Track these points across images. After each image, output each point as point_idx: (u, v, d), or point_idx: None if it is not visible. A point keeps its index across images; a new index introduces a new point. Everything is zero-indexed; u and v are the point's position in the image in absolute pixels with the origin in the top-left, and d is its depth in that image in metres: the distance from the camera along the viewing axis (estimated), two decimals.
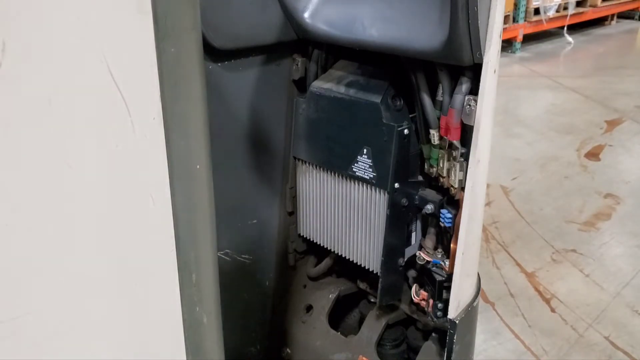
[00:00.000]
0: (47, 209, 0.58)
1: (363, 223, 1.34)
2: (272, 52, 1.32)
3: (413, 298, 1.34)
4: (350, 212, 1.36)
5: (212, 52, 1.20)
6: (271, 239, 1.50)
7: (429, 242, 1.32)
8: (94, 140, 0.59)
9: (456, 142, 1.14)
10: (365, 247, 1.36)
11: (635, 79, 5.48)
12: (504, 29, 5.95)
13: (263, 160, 1.41)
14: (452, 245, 1.19)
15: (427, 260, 1.28)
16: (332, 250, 1.45)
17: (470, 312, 1.18)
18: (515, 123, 4.40)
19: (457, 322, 1.14)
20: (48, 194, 0.57)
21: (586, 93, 5.09)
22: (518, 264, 2.63)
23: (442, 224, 1.22)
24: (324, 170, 1.39)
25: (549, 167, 3.65)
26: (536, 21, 6.49)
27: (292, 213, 1.51)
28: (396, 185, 1.24)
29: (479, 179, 1.08)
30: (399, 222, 1.28)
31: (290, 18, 1.26)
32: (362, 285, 1.56)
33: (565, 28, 6.96)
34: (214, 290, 0.74)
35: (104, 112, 0.58)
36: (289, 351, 1.60)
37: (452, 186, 1.19)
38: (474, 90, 1.09)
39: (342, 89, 1.29)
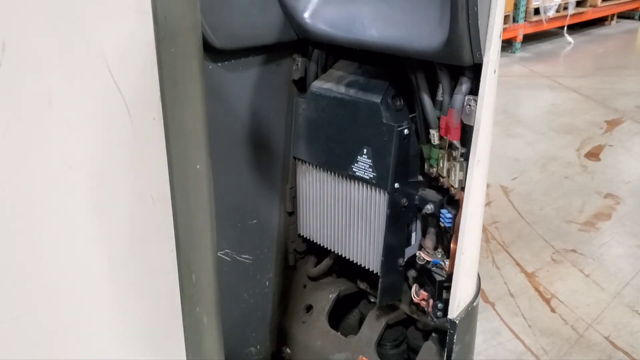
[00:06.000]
0: (47, 209, 0.58)
1: (363, 223, 1.34)
2: (272, 52, 1.32)
3: (413, 298, 1.34)
4: (350, 212, 1.36)
5: (212, 52, 1.20)
6: (271, 239, 1.50)
7: (429, 242, 1.32)
8: (94, 140, 0.59)
9: (456, 142, 1.14)
10: (365, 247, 1.36)
11: (635, 79, 5.48)
12: (504, 29, 5.95)
13: (263, 160, 1.41)
14: (452, 245, 1.19)
15: (427, 260, 1.28)
16: (332, 250, 1.45)
17: (470, 312, 1.18)
18: (515, 123, 4.40)
19: (457, 322, 1.14)
20: (48, 194, 0.57)
21: (586, 93, 5.09)
22: (518, 264, 2.63)
23: (442, 224, 1.22)
24: (324, 170, 1.39)
25: (549, 167, 3.65)
26: (536, 21, 6.49)
27: (292, 213, 1.51)
28: (396, 185, 1.24)
29: (479, 179, 1.08)
30: (399, 222, 1.28)
31: (290, 18, 1.26)
32: (362, 285, 1.56)
33: (565, 28, 6.96)
34: (214, 290, 0.74)
35: (104, 112, 0.59)
36: (289, 351, 1.60)
37: (452, 186, 1.19)
38: (474, 90, 1.09)
39: (342, 89, 1.29)
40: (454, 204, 1.21)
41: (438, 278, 1.27)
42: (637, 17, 8.35)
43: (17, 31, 0.51)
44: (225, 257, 1.39)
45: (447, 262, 1.23)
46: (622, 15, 8.31)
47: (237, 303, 1.48)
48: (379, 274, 1.33)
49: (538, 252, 2.73)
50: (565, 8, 6.77)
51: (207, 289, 0.72)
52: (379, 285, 1.34)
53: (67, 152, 0.57)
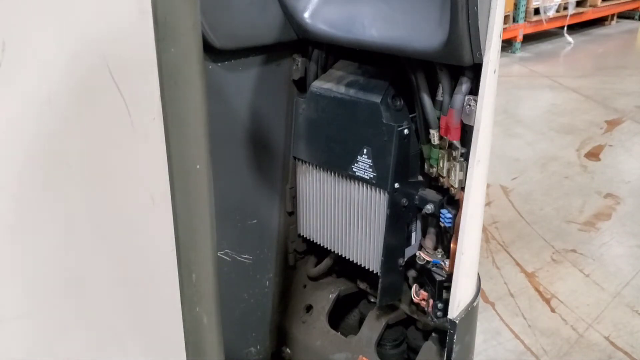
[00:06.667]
0: (47, 209, 0.58)
1: (363, 223, 1.34)
2: (272, 52, 1.32)
3: (413, 298, 1.34)
4: (350, 212, 1.36)
5: (212, 52, 1.20)
6: (271, 239, 1.50)
7: (429, 242, 1.32)
8: (94, 140, 0.59)
9: (456, 142, 1.14)
10: (365, 247, 1.36)
11: (635, 79, 5.48)
12: (504, 29, 5.95)
13: (263, 160, 1.41)
14: (452, 245, 1.19)
15: (427, 260, 1.28)
16: (332, 250, 1.45)
17: (470, 312, 1.18)
18: (515, 123, 4.40)
19: (457, 322, 1.14)
20: (48, 194, 0.57)
21: (586, 93, 5.08)
22: (518, 264, 2.63)
23: (442, 224, 1.22)
24: (324, 170, 1.39)
25: (549, 167, 3.65)
26: (536, 21, 6.49)
27: (292, 213, 1.51)
28: (396, 185, 1.24)
29: (479, 179, 1.08)
30: (399, 222, 1.28)
31: (290, 18, 1.26)
32: (362, 285, 1.56)
33: (565, 28, 6.96)
34: (214, 290, 0.74)
35: (104, 112, 0.59)
36: (289, 351, 1.60)
37: (452, 186, 1.19)
38: (474, 90, 1.09)
39: (342, 89, 1.29)
40: (454, 204, 1.21)
41: (438, 278, 1.27)
42: (637, 17, 8.34)
43: (17, 31, 0.51)
44: (225, 257, 1.39)
45: (447, 262, 1.23)
46: (622, 15, 8.30)
47: (237, 303, 1.48)
48: (379, 274, 1.33)
49: (538, 252, 2.73)
50: (565, 8, 6.77)
51: (207, 289, 0.72)
52: (379, 285, 1.33)
53: (66, 152, 0.57)
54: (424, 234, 1.34)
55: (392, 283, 1.35)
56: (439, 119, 1.16)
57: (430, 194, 1.27)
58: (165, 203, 0.65)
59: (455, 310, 1.15)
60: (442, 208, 1.22)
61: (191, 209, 0.67)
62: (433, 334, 1.41)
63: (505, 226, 2.95)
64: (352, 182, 1.33)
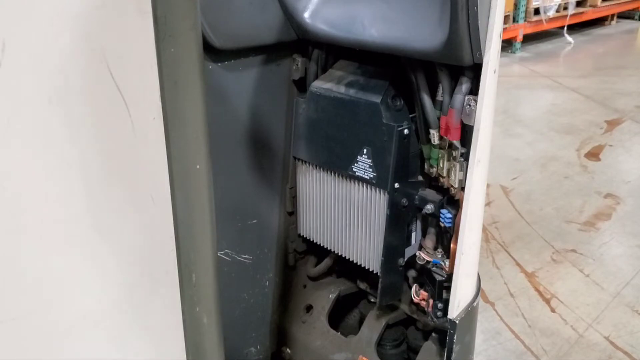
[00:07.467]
0: (47, 209, 0.58)
1: (363, 223, 1.34)
2: (272, 52, 1.32)
3: (413, 298, 1.34)
4: (350, 212, 1.36)
5: (212, 52, 1.20)
6: (271, 239, 1.50)
7: (429, 242, 1.32)
8: (94, 140, 0.59)
9: (456, 142, 1.14)
10: (365, 247, 1.36)
11: (635, 79, 5.48)
12: (504, 29, 5.95)
13: (263, 160, 1.41)
14: (452, 245, 1.19)
15: (427, 260, 1.28)
16: (332, 250, 1.45)
17: (470, 312, 1.18)
18: (515, 123, 4.40)
19: (457, 322, 1.14)
20: (48, 194, 0.57)
21: (586, 93, 5.09)
22: (518, 264, 2.63)
23: (442, 224, 1.22)
24: (324, 170, 1.39)
25: (549, 167, 3.65)
26: (536, 21, 6.49)
27: (292, 213, 1.51)
28: (396, 185, 1.24)
29: (479, 179, 1.08)
30: (399, 222, 1.28)
31: (290, 18, 1.26)
32: (362, 285, 1.56)
33: (565, 28, 6.96)
34: (214, 290, 0.74)
35: (104, 112, 0.59)
36: (289, 351, 1.60)
37: (452, 186, 1.19)
38: (474, 90, 1.09)
39: (342, 89, 1.29)
40: (454, 204, 1.21)
41: (438, 278, 1.27)
42: (637, 17, 8.35)
43: (17, 31, 0.51)
44: (225, 257, 1.39)
45: (447, 262, 1.23)
46: (622, 15, 8.31)
47: (237, 303, 1.48)
48: (379, 274, 1.33)
49: (538, 252, 2.73)
50: (565, 8, 6.77)
51: (207, 289, 0.72)
52: (379, 285, 1.33)
53: (67, 152, 0.57)
54: (424, 234, 1.34)
55: (392, 283, 1.35)
56: (439, 119, 1.16)
57: (430, 194, 1.27)
58: (165, 203, 0.65)
59: (455, 310, 1.15)
60: (442, 208, 1.22)
61: (191, 209, 0.67)
62: (433, 334, 1.41)
63: (505, 226, 2.95)
64: (352, 182, 1.33)
